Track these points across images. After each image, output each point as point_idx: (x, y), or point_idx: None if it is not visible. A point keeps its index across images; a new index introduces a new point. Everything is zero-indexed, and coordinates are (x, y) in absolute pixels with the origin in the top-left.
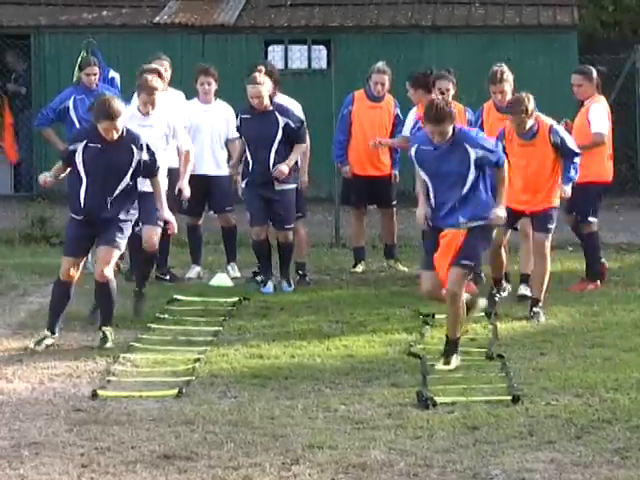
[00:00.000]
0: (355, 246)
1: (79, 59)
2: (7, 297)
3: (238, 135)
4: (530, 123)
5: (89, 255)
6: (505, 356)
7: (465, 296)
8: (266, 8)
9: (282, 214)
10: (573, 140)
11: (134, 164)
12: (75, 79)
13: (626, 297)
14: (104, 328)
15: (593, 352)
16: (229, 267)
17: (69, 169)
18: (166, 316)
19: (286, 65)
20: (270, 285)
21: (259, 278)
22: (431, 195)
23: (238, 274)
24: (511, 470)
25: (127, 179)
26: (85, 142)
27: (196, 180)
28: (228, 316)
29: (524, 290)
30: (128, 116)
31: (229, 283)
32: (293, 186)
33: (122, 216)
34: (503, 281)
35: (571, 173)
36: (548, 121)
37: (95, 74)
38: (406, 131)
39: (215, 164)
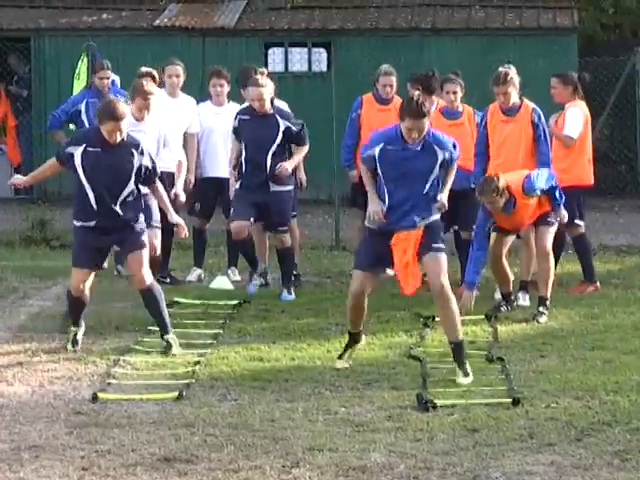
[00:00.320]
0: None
1: (79, 62)
2: (7, 300)
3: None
4: (503, 200)
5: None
6: (505, 359)
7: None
8: (266, 11)
9: (276, 216)
10: (543, 177)
11: (135, 169)
12: (79, 83)
13: (626, 299)
14: (167, 337)
15: (593, 354)
16: (229, 271)
17: (60, 170)
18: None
19: (286, 68)
20: (254, 284)
21: (259, 281)
22: (385, 197)
23: (238, 277)
24: (511, 473)
25: (131, 184)
26: (84, 146)
27: (209, 183)
28: (228, 319)
29: (523, 301)
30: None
31: (229, 286)
32: (289, 188)
33: (135, 224)
34: (513, 296)
35: (557, 199)
36: (519, 183)
37: (108, 78)
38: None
39: (228, 166)
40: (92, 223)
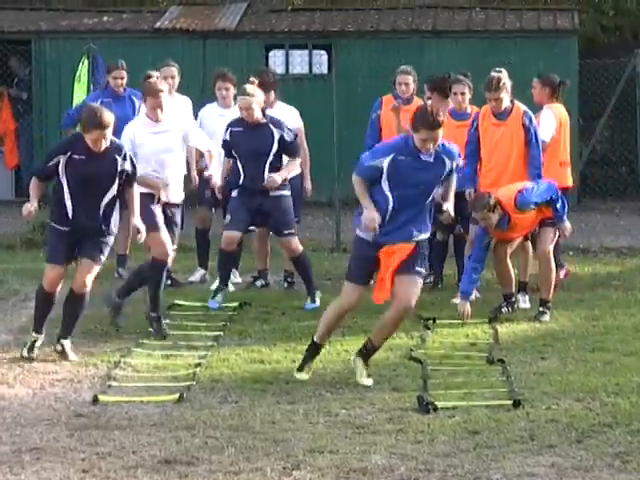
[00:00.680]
0: None
1: (80, 65)
2: (8, 302)
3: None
4: (497, 216)
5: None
6: (506, 360)
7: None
8: (267, 13)
9: (280, 219)
10: (540, 190)
11: (117, 174)
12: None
13: (627, 301)
14: (63, 341)
15: (594, 356)
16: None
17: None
18: (167, 321)
19: (287, 70)
20: (218, 298)
21: (259, 283)
22: (389, 207)
23: (239, 279)
24: (512, 474)
25: (114, 190)
26: (69, 154)
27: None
28: (229, 321)
29: (523, 303)
30: (138, 127)
31: (230, 288)
32: (288, 193)
33: (107, 231)
34: (514, 297)
35: (559, 213)
36: (510, 197)
37: (122, 78)
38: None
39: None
40: (66, 229)
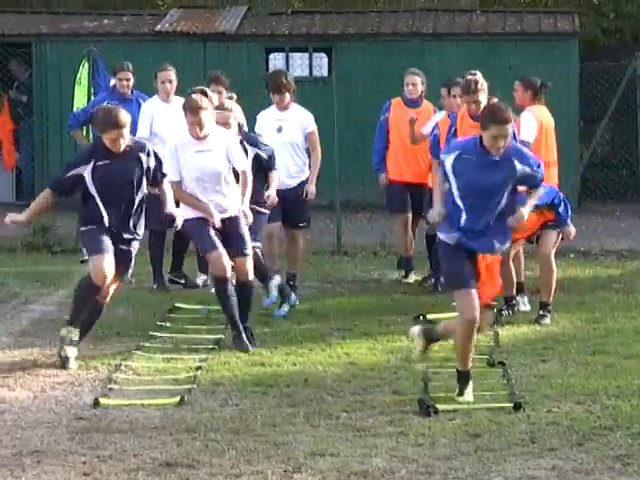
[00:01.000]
0: (404, 256)
1: (80, 68)
2: (9, 305)
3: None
4: None
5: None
6: (506, 363)
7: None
8: (267, 16)
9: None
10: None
11: (144, 173)
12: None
13: (627, 304)
14: (67, 348)
15: (594, 359)
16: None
17: (52, 201)
18: (168, 324)
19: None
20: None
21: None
22: (462, 214)
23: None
24: (512, 477)
25: (144, 189)
26: (93, 162)
27: None
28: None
29: (523, 306)
30: (181, 144)
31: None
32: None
33: (137, 237)
34: (514, 300)
35: (563, 216)
36: None
37: (128, 79)
38: (426, 130)
39: None
40: (103, 226)
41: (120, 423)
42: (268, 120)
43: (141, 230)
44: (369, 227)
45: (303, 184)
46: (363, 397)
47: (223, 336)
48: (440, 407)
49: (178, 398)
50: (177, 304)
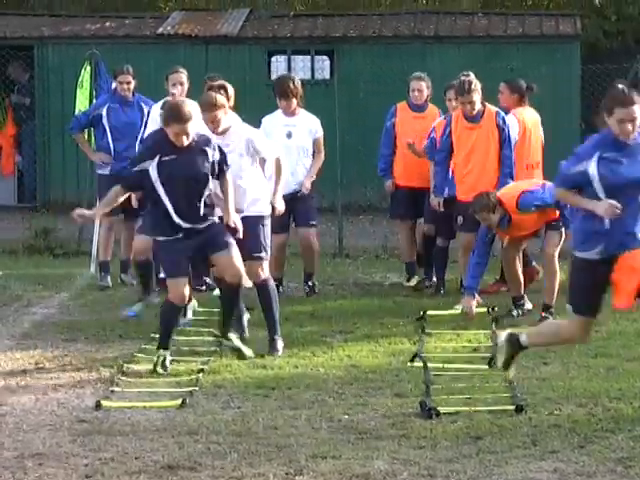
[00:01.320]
0: (406, 261)
1: (82, 71)
2: (11, 308)
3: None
4: (497, 216)
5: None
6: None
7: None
8: (269, 19)
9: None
10: (541, 195)
11: (210, 166)
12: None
13: None
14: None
15: (596, 362)
16: None
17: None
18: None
19: None
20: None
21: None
22: (606, 220)
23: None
24: None
25: (210, 185)
26: (158, 157)
27: None
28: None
29: (527, 304)
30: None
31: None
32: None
33: (214, 219)
34: (523, 300)
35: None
36: (512, 199)
37: (129, 82)
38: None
39: None
40: (179, 235)
41: (122, 425)
42: (275, 125)
43: (214, 212)
44: (371, 229)
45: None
46: (365, 399)
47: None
48: (442, 410)
49: (180, 400)
50: None
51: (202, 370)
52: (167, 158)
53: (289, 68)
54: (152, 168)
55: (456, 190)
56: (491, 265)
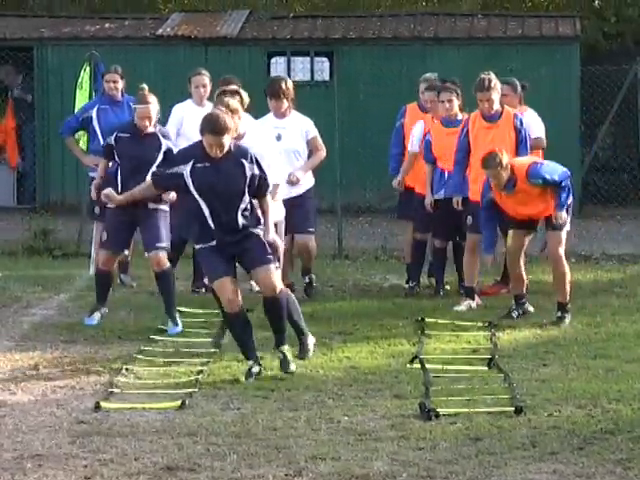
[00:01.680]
0: (408, 263)
1: (82, 72)
2: (10, 309)
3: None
4: (506, 175)
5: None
6: (507, 367)
7: None
8: (269, 20)
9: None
10: (552, 169)
11: (248, 180)
12: (81, 92)
13: (628, 308)
14: (282, 347)
15: (596, 363)
16: None
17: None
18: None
19: (289, 77)
20: (95, 316)
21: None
22: None
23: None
24: None
25: (247, 197)
26: (192, 162)
27: None
28: None
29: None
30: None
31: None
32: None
33: (255, 230)
34: (524, 299)
35: (562, 199)
36: (524, 166)
37: (115, 81)
38: (414, 146)
39: None
40: (213, 242)
41: (121, 427)
42: (265, 128)
43: (253, 222)
44: (370, 231)
45: (307, 193)
46: (364, 401)
47: (225, 340)
48: (441, 411)
49: (179, 402)
50: (179, 308)
51: (201, 371)
52: (200, 165)
53: (289, 69)
54: (186, 172)
55: (469, 190)
56: (492, 267)
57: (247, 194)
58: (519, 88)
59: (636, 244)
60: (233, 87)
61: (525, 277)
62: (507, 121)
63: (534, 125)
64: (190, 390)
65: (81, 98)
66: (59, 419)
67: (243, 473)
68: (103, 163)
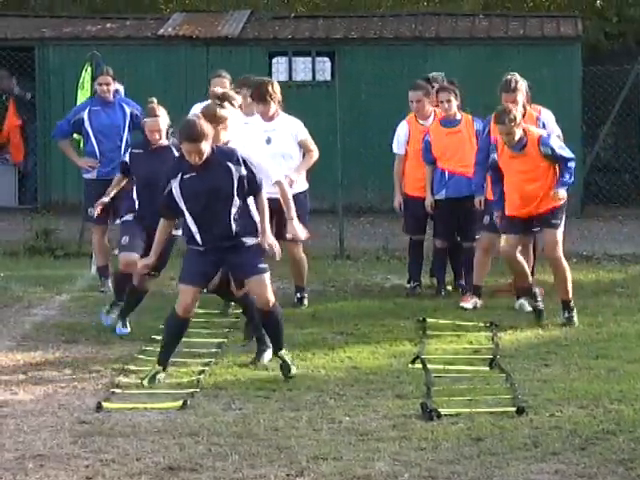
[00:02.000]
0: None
1: (83, 72)
2: (12, 309)
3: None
4: (519, 133)
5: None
6: (508, 368)
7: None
8: (270, 20)
9: None
10: (563, 146)
11: (236, 182)
12: (83, 92)
13: (630, 308)
14: (280, 353)
15: (597, 363)
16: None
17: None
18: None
19: (290, 77)
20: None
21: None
22: None
23: None
24: None
25: (236, 200)
26: (180, 175)
27: None
28: (232, 328)
29: (528, 307)
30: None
31: None
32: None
33: (248, 241)
34: (533, 288)
35: (565, 177)
36: (536, 132)
37: (108, 84)
38: (399, 149)
39: None
40: (201, 248)
41: (123, 427)
42: (254, 131)
43: (247, 230)
44: (372, 231)
45: (300, 195)
46: (366, 401)
47: (226, 340)
48: (443, 411)
49: (181, 402)
50: None
51: (203, 372)
52: (188, 176)
53: (290, 69)
54: (175, 188)
55: (488, 190)
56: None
57: (237, 197)
58: (528, 89)
59: (638, 244)
60: (221, 91)
61: (527, 269)
62: (530, 122)
63: (552, 124)
64: (192, 390)
65: (82, 98)
66: (61, 419)
67: (245, 473)
68: (118, 179)
